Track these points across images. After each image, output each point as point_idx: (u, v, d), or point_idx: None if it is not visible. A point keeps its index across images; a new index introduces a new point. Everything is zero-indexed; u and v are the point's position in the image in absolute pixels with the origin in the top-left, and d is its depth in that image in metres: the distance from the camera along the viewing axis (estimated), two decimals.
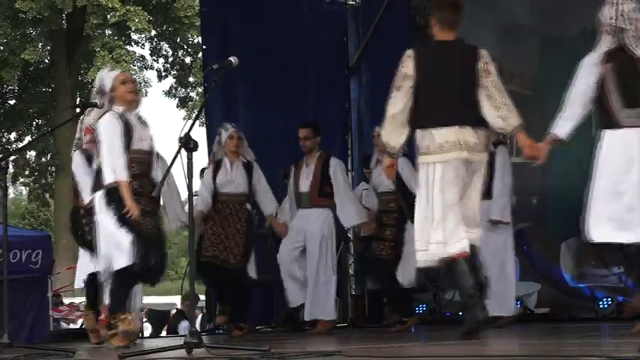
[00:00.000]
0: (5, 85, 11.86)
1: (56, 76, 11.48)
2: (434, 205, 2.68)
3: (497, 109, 2.69)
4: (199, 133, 7.93)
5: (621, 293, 4.15)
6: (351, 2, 5.49)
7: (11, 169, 11.88)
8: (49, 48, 11.58)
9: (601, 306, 4.17)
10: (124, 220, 2.87)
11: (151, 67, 12.25)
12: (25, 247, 4.13)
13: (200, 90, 11.33)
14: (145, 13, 10.72)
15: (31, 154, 12.42)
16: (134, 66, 11.59)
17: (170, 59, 12.34)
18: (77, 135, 3.62)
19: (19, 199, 18.14)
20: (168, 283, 19.79)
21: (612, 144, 2.65)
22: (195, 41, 11.69)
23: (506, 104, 2.70)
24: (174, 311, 7.71)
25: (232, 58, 2.62)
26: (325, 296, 3.88)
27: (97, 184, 2.99)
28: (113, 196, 2.90)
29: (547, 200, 4.69)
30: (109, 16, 10.68)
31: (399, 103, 2.74)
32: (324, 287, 3.88)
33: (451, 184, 2.68)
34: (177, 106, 12.73)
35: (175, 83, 12.56)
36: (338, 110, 5.20)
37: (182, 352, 2.37)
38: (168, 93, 12.64)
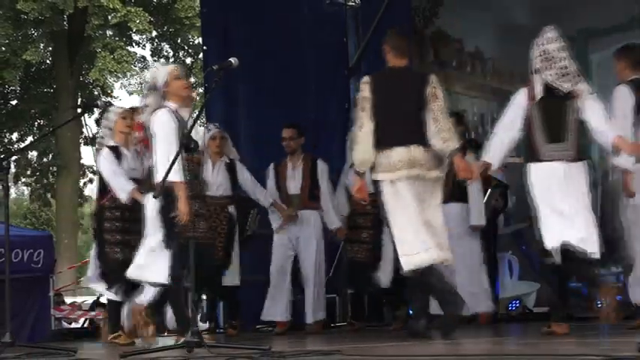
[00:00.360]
0: (7, 86, 11.89)
1: (57, 76, 11.51)
2: (397, 220, 2.91)
3: (441, 131, 2.94)
4: (200, 134, 7.94)
5: (619, 293, 4.16)
6: (351, 3, 5.51)
7: (13, 169, 11.90)
8: (50, 49, 11.61)
9: (599, 305, 4.18)
10: (172, 228, 2.76)
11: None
12: (27, 246, 4.14)
13: (201, 90, 11.35)
14: (146, 14, 10.75)
15: (33, 154, 12.45)
16: (135, 67, 11.63)
17: (171, 60, 12.35)
18: (100, 133, 3.60)
19: (21, 199, 18.17)
20: None
21: (537, 177, 2.87)
22: (196, 42, 11.71)
23: (450, 128, 2.96)
24: None
25: (232, 59, 2.64)
26: (322, 298, 4.02)
27: (148, 183, 2.91)
28: (168, 198, 2.76)
29: None
30: (110, 17, 10.71)
31: (368, 122, 2.96)
32: (321, 289, 4.00)
33: (410, 199, 2.90)
34: None
35: None
36: (338, 110, 5.21)
37: (183, 352, 2.40)
38: None
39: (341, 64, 5.38)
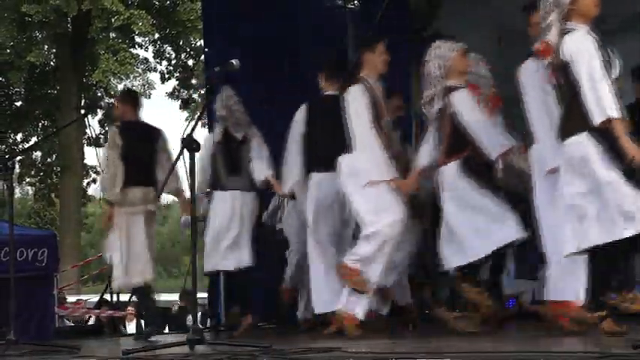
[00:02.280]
0: (12, 87, 11.97)
1: (61, 78, 11.58)
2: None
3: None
4: (201, 134, 8.00)
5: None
6: (350, 5, 5.56)
7: (17, 169, 12.05)
8: (54, 51, 11.68)
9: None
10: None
11: (155, 70, 12.33)
12: (31, 245, 4.14)
13: (202, 92, 11.40)
14: (149, 17, 10.81)
15: (37, 154, 12.52)
16: (138, 68, 11.69)
17: (173, 62, 12.41)
18: (432, 69, 3.04)
19: (25, 198, 18.24)
20: (170, 280, 19.83)
21: (219, 203, 3.52)
22: (198, 44, 11.76)
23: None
24: (175, 307, 7.78)
25: (234, 61, 2.70)
26: None
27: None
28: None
29: None
30: (113, 20, 10.77)
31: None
32: None
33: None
34: (180, 108, 12.83)
35: (178, 85, 12.64)
36: None
37: (185, 349, 2.43)
38: (172, 95, 12.72)
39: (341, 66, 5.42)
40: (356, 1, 5.53)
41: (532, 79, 2.77)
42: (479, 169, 2.94)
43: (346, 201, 3.10)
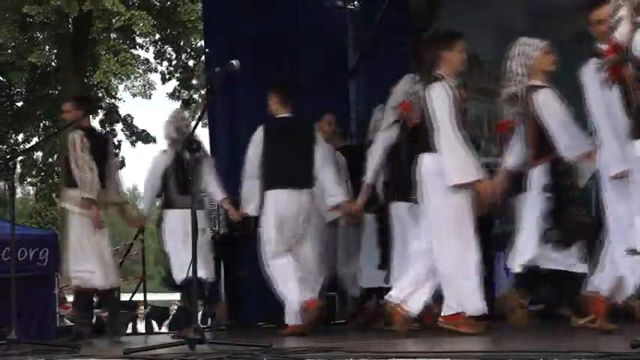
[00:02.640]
0: (13, 88, 11.98)
1: (62, 78, 11.59)
2: None
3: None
4: (202, 135, 8.02)
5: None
6: (350, 6, 5.57)
7: (19, 170, 12.07)
8: (55, 51, 11.69)
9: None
10: None
11: (155, 70, 12.33)
12: (32, 245, 4.17)
13: (203, 92, 11.42)
14: (150, 18, 10.81)
15: (38, 154, 12.54)
16: (138, 69, 11.71)
17: (174, 62, 12.42)
18: (515, 71, 3.00)
19: (27, 198, 18.26)
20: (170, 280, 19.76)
21: (171, 221, 3.73)
22: (198, 45, 11.77)
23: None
24: (174, 307, 7.80)
25: (234, 61, 2.71)
26: None
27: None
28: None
29: None
30: (114, 21, 10.79)
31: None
32: None
33: None
34: (181, 108, 12.83)
35: (179, 86, 12.65)
36: (337, 112, 5.28)
37: (185, 348, 2.44)
38: (172, 95, 12.74)
39: (340, 66, 5.44)
40: (356, 2, 5.55)
41: (594, 80, 2.64)
42: (567, 171, 2.88)
43: (424, 200, 2.99)
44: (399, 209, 3.52)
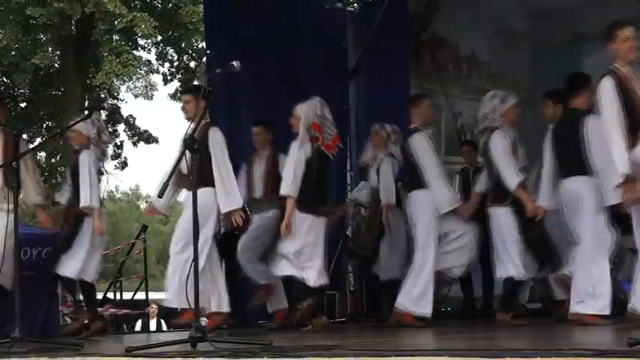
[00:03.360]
0: (17, 89, 12.02)
1: (65, 79, 11.64)
2: None
3: None
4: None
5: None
6: (350, 8, 5.60)
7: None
8: (58, 53, 11.74)
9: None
10: None
11: (157, 72, 12.37)
12: (36, 244, 4.18)
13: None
14: (151, 19, 10.84)
15: (42, 154, 12.60)
16: (140, 70, 11.75)
17: (175, 64, 12.46)
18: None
19: None
20: None
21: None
22: (200, 46, 11.81)
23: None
24: None
25: (235, 63, 2.73)
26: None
27: None
28: None
29: None
30: (116, 22, 10.83)
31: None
32: None
33: None
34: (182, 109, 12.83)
35: (180, 87, 12.70)
36: (337, 113, 5.31)
37: (187, 346, 2.47)
38: (174, 96, 12.77)
39: (340, 67, 5.46)
40: (356, 4, 5.57)
41: (610, 96, 2.79)
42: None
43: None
44: None
